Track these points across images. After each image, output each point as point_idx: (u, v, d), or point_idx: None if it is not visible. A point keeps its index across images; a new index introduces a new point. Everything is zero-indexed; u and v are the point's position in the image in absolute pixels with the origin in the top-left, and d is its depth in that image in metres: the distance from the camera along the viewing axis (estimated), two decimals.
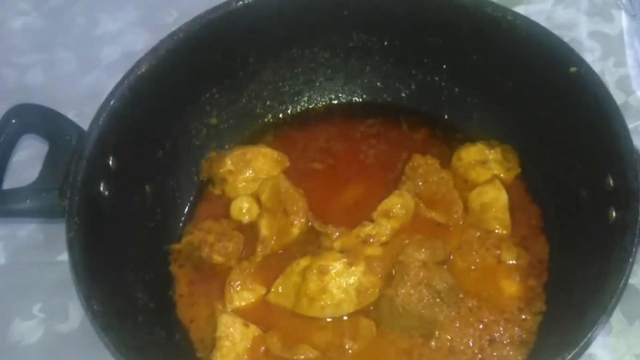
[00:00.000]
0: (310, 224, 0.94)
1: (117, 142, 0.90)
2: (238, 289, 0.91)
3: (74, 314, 0.97)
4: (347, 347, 0.86)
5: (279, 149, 1.02)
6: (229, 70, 1.02)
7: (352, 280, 0.87)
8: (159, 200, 0.97)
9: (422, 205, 0.94)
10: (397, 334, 0.87)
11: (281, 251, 0.94)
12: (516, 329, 0.85)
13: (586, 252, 0.85)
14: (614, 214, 0.81)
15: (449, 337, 0.85)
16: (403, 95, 1.06)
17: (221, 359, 0.85)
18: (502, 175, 0.97)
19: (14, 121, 0.91)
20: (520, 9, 1.08)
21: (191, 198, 1.01)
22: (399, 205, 0.93)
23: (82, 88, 1.17)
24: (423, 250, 0.88)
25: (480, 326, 0.85)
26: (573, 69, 0.87)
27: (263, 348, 0.87)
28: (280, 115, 1.07)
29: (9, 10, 1.29)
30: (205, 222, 0.96)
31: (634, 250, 0.76)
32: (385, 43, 1.03)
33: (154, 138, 0.96)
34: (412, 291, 0.85)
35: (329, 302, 0.87)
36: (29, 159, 1.05)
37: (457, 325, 0.85)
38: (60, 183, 0.87)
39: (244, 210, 0.97)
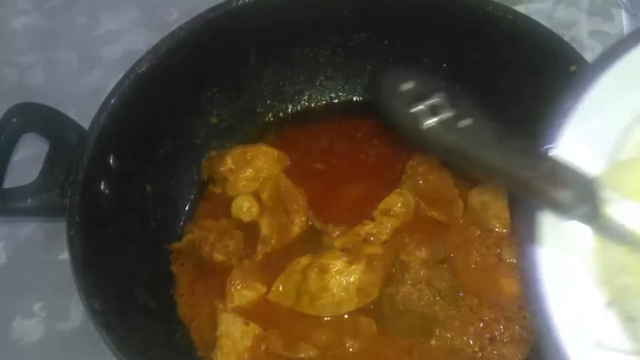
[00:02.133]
0: (310, 223, 0.94)
1: (117, 141, 0.90)
2: (239, 287, 0.91)
3: (75, 313, 0.97)
4: (347, 345, 0.86)
5: (280, 148, 1.02)
6: (229, 70, 1.02)
7: (352, 278, 0.87)
8: (159, 199, 0.97)
9: (422, 204, 0.94)
10: (397, 333, 0.87)
11: (282, 250, 0.94)
12: (517, 327, 0.85)
13: None
14: None
15: (450, 336, 0.85)
16: None
17: (222, 357, 0.86)
18: None
19: (14, 120, 0.91)
20: (520, 8, 1.07)
21: (192, 197, 1.01)
22: (399, 204, 0.93)
23: (83, 87, 1.18)
24: (423, 248, 0.88)
25: (481, 324, 0.85)
26: (573, 68, 0.87)
27: (264, 346, 0.87)
28: (281, 114, 1.07)
29: (10, 10, 1.29)
30: (206, 221, 0.96)
31: None
32: (386, 42, 1.03)
33: (154, 137, 0.97)
34: (413, 290, 0.85)
35: (329, 301, 0.87)
36: (29, 158, 1.05)
37: (458, 323, 0.85)
38: (61, 182, 0.87)
39: (244, 209, 0.97)
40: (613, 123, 0.62)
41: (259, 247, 0.93)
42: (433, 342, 0.85)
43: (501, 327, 0.85)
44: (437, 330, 0.85)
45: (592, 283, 0.59)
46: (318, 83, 1.07)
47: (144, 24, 1.24)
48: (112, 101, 0.89)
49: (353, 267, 0.88)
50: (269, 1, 0.97)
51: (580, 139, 0.62)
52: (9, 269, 1.02)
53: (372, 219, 0.93)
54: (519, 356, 0.84)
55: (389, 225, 0.92)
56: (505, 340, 0.85)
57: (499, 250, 0.91)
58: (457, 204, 0.94)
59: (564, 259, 0.60)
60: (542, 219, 0.61)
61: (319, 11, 1.00)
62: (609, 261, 0.60)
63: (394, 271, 0.88)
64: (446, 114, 0.62)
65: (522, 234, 0.61)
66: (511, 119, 0.99)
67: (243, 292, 0.91)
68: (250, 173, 0.99)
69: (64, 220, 0.84)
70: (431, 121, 0.62)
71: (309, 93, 1.08)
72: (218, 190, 1.00)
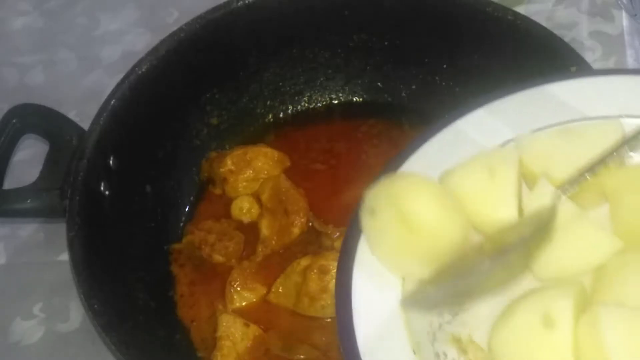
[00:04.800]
0: (310, 224, 0.94)
1: (117, 142, 0.90)
2: (239, 288, 0.91)
3: (75, 313, 0.97)
4: None
5: (280, 148, 1.02)
6: (229, 70, 1.02)
7: None
8: (159, 200, 0.97)
9: None
10: None
11: (282, 251, 0.94)
12: None
13: None
14: None
15: None
16: (404, 95, 1.06)
17: (222, 358, 0.85)
18: None
19: (14, 121, 0.91)
20: (520, 9, 1.08)
21: (192, 198, 1.01)
22: None
23: (83, 88, 1.18)
24: None
25: None
26: (573, 69, 0.87)
27: (264, 348, 0.87)
28: (281, 115, 1.07)
29: (9, 10, 1.29)
30: (206, 222, 0.96)
31: None
32: (386, 43, 1.03)
33: (154, 138, 0.97)
34: None
35: (329, 302, 0.87)
36: (29, 159, 1.05)
37: None
38: (60, 183, 0.87)
39: (244, 210, 0.97)
40: None
41: (259, 248, 0.93)
42: None
43: None
44: None
45: (407, 350, 0.63)
46: (318, 84, 1.07)
47: (143, 25, 1.24)
48: (112, 102, 0.90)
49: None
50: (269, 2, 0.97)
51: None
52: (9, 270, 1.02)
53: None
54: None
55: None
56: None
57: None
58: None
59: (377, 328, 0.65)
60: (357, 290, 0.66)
61: (319, 12, 1.00)
62: (419, 332, 0.65)
63: None
64: None
65: (337, 307, 0.66)
66: None
67: (243, 293, 0.91)
68: (250, 174, 0.99)
69: (64, 221, 0.84)
70: None
71: (309, 94, 1.08)
72: (218, 191, 1.00)
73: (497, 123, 0.75)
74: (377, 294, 0.67)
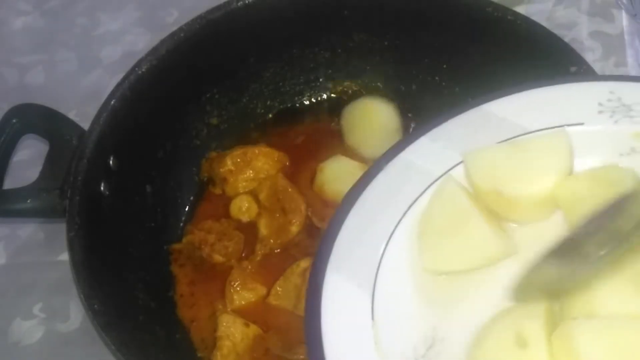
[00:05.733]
0: (310, 222, 0.94)
1: (117, 142, 0.90)
2: (238, 288, 0.91)
3: (75, 313, 0.97)
4: None
5: (280, 148, 1.02)
6: (229, 70, 1.02)
7: None
8: (159, 200, 0.97)
9: None
10: None
11: (281, 250, 0.94)
12: None
13: None
14: None
15: None
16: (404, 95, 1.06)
17: (222, 358, 0.85)
18: None
19: (14, 121, 0.91)
20: (520, 9, 1.08)
21: (192, 198, 1.01)
22: None
23: (83, 88, 1.18)
24: None
25: None
26: (573, 69, 0.87)
27: (264, 348, 0.87)
28: (281, 115, 1.07)
29: (9, 10, 1.29)
30: (206, 222, 0.96)
31: None
32: (386, 43, 1.03)
33: (154, 138, 0.97)
34: None
35: None
36: (29, 159, 1.05)
37: None
38: (60, 183, 0.87)
39: (243, 210, 0.97)
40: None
41: (258, 247, 0.93)
42: None
43: None
44: None
45: None
46: (318, 84, 1.07)
47: (143, 25, 1.24)
48: (112, 102, 0.90)
49: None
50: (269, 2, 0.97)
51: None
52: (9, 270, 1.02)
53: None
54: None
55: None
56: None
57: None
58: None
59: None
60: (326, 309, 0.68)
61: (319, 12, 1.00)
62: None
63: None
64: None
65: (307, 331, 0.67)
66: None
67: (243, 293, 0.91)
68: (250, 174, 0.99)
69: (64, 221, 0.84)
70: None
71: (309, 94, 1.08)
72: (218, 191, 1.00)
73: (443, 148, 0.75)
74: (350, 341, 0.67)
